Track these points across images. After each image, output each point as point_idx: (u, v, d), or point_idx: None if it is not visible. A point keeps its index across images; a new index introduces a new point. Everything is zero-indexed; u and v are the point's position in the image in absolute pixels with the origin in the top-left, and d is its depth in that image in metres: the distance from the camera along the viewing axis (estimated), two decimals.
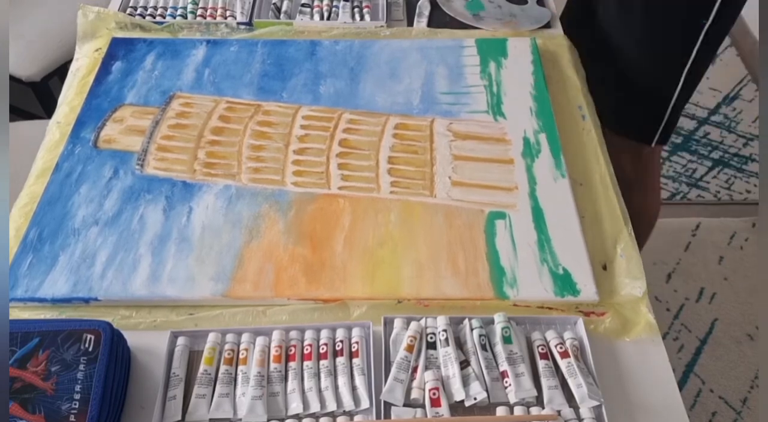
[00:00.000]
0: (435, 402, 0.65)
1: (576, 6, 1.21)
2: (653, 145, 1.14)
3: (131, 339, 0.70)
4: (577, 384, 0.66)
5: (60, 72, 1.60)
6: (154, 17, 1.13)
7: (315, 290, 0.75)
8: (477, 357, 0.68)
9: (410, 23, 1.12)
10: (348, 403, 0.66)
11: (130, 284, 0.75)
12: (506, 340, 0.69)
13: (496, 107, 0.97)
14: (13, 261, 0.77)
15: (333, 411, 0.66)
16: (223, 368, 0.68)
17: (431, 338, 0.70)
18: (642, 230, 1.37)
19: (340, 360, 0.69)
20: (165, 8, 1.14)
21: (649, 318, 0.73)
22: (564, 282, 0.76)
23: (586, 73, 1.05)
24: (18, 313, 0.75)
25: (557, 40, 1.09)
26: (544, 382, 0.67)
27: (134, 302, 0.75)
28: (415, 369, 0.68)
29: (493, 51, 1.04)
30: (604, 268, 0.79)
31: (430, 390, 0.66)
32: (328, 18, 1.12)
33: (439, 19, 1.12)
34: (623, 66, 1.09)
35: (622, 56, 1.08)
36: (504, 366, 0.67)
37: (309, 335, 0.71)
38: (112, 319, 0.73)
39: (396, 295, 0.75)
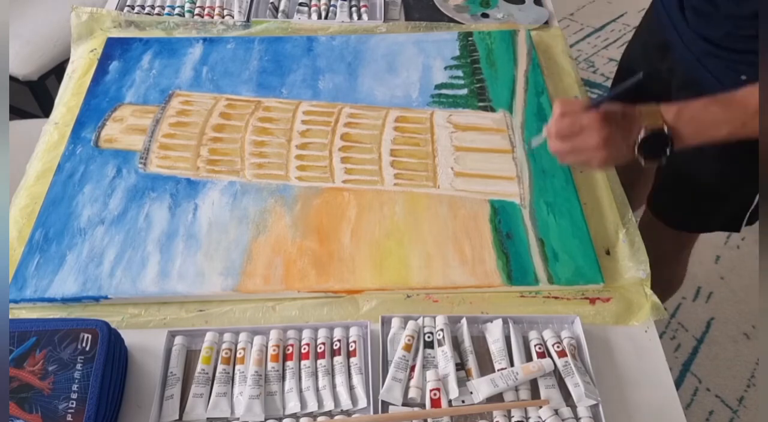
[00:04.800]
0: (435, 403, 0.65)
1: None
2: (743, 228, 0.99)
3: (129, 338, 0.70)
4: (575, 383, 0.66)
5: (57, 71, 1.60)
6: (152, 16, 1.12)
7: (325, 283, 0.76)
8: (474, 357, 0.68)
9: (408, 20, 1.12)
10: (345, 402, 0.66)
11: (140, 282, 0.76)
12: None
13: (494, 98, 0.97)
14: (20, 262, 0.78)
15: (330, 410, 0.66)
16: (220, 367, 0.68)
17: (428, 337, 0.70)
18: (662, 295, 1.32)
19: (338, 360, 0.69)
20: (162, 7, 1.14)
21: (654, 300, 0.74)
22: (569, 269, 0.77)
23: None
24: (27, 313, 0.75)
25: (552, 31, 1.10)
26: (542, 381, 0.67)
27: (145, 300, 0.75)
28: (412, 368, 0.68)
29: (489, 43, 1.05)
30: (608, 253, 0.80)
31: (431, 391, 0.66)
32: (326, 17, 1.12)
33: (430, 15, 1.13)
34: (699, 167, 0.93)
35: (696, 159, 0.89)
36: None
37: (306, 334, 0.71)
38: (121, 318, 0.74)
39: (405, 285, 0.76)
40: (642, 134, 0.69)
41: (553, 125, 0.74)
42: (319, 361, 0.69)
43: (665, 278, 1.21)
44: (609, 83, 2.24)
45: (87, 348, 0.64)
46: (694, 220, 1.02)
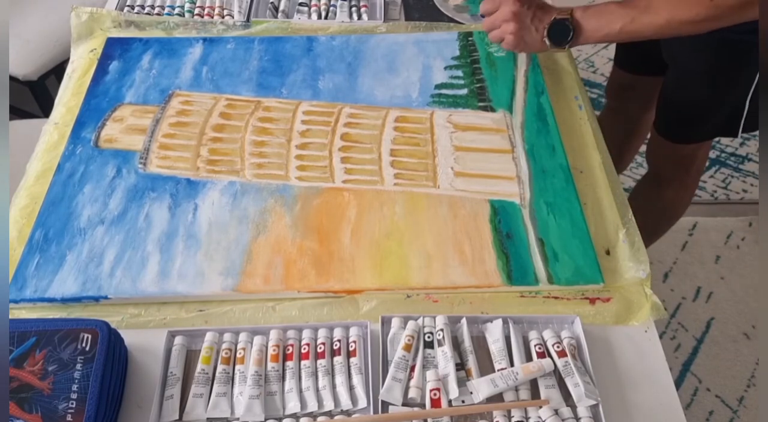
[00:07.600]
0: (435, 403, 0.65)
1: None
2: (739, 135, 1.11)
3: (129, 338, 0.70)
4: (574, 384, 0.66)
5: (57, 71, 1.60)
6: (152, 16, 1.12)
7: (325, 283, 0.76)
8: (474, 357, 0.69)
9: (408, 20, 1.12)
10: (345, 402, 0.66)
11: (140, 282, 0.76)
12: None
13: (494, 98, 0.97)
14: (19, 262, 0.77)
15: (330, 411, 0.66)
16: (220, 367, 0.68)
17: (428, 337, 0.70)
18: (663, 224, 1.40)
19: (338, 360, 0.69)
20: (162, 7, 1.14)
21: (654, 300, 0.74)
22: (569, 269, 0.77)
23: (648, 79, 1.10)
24: (27, 313, 0.74)
25: None
26: (542, 381, 0.67)
27: (144, 300, 0.75)
28: (412, 368, 0.68)
29: (489, 43, 1.05)
30: (608, 253, 0.80)
31: (431, 391, 0.66)
32: (326, 17, 1.12)
33: (430, 15, 1.13)
34: (692, 73, 1.07)
35: (690, 67, 1.06)
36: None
37: (306, 334, 0.71)
38: (121, 318, 0.74)
39: (405, 285, 0.76)
40: (549, 23, 0.89)
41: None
42: (319, 361, 0.69)
43: (668, 198, 1.31)
44: None
45: (87, 348, 0.64)
46: (694, 131, 1.13)
